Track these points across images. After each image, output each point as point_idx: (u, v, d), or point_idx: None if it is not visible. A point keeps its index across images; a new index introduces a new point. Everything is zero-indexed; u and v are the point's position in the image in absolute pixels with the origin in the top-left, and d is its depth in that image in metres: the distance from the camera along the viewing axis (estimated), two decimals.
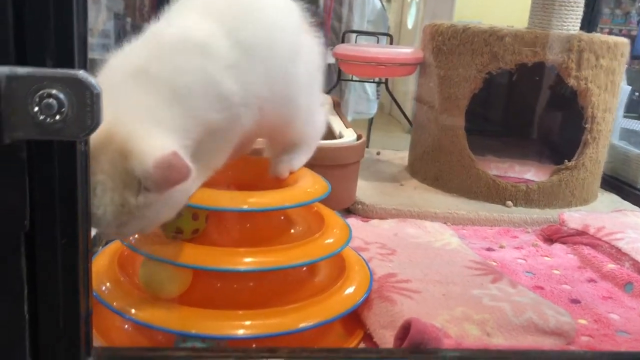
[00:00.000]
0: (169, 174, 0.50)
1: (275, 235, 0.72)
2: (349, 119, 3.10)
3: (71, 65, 0.43)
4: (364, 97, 3.06)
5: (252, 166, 0.78)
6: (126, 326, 0.70)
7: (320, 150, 0.95)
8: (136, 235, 0.64)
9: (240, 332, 0.61)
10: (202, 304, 0.64)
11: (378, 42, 1.61)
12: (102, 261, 0.70)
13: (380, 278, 0.73)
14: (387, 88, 1.51)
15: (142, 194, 0.51)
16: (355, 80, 1.67)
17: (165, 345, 0.65)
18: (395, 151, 1.51)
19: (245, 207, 0.65)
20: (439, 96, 1.18)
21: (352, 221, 0.93)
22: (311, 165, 0.95)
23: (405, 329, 0.60)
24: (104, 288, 0.65)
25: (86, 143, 0.48)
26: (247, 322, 0.62)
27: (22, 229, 0.46)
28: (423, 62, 1.23)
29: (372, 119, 2.13)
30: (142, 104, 0.54)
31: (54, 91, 0.42)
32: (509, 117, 1.50)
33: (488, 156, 1.28)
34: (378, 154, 1.48)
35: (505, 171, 1.23)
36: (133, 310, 0.61)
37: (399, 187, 1.21)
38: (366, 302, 0.70)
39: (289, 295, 0.69)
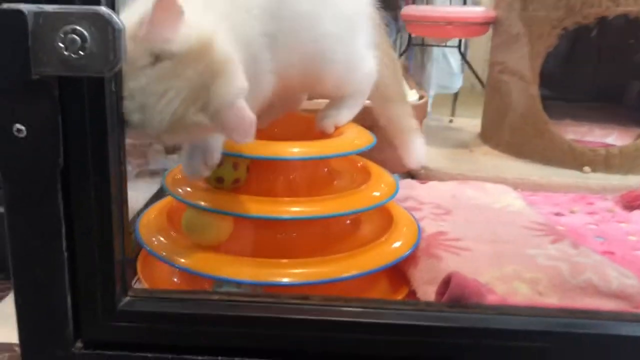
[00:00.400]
0: (237, 122, 0.50)
1: (318, 187, 0.71)
2: (432, 93, 3.04)
3: (96, 3, 0.44)
4: (448, 71, 2.96)
5: (299, 122, 0.77)
6: (175, 279, 0.72)
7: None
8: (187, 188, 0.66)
9: (284, 279, 0.61)
10: (245, 253, 0.64)
11: (451, 4, 1.55)
12: (152, 215, 0.72)
13: (429, 236, 0.71)
14: (460, 51, 1.45)
15: (202, 115, 0.50)
16: (427, 45, 1.61)
17: None
18: (470, 119, 1.45)
19: (286, 155, 0.64)
20: (511, 56, 1.11)
21: (409, 181, 0.90)
22: (368, 126, 0.94)
23: (447, 284, 0.57)
24: (153, 239, 0.67)
25: (116, 83, 0.49)
26: (288, 270, 0.62)
27: (57, 166, 0.48)
28: (496, 21, 1.17)
29: (457, 93, 2.05)
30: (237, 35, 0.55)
31: (78, 27, 0.43)
32: (589, 80, 1.39)
33: (566, 120, 1.20)
34: (450, 121, 1.43)
35: (583, 135, 1.15)
36: (177, 258, 0.63)
37: (467, 153, 1.17)
38: (412, 258, 0.67)
39: (332, 247, 0.68)
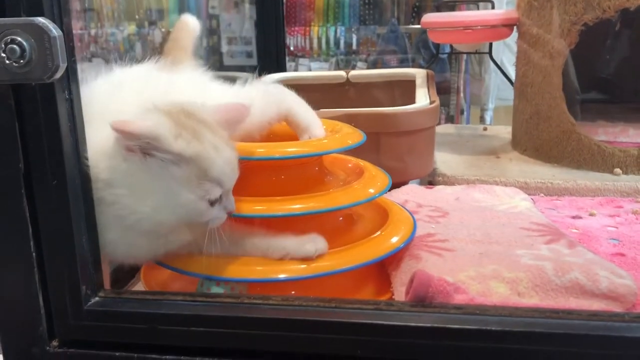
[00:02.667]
0: None
1: (310, 185, 0.71)
2: (491, 105, 2.96)
3: (36, 13, 0.47)
4: (507, 82, 2.89)
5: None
6: (175, 283, 0.73)
7: (387, 117, 0.92)
8: None
9: (280, 275, 0.61)
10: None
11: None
12: None
13: (416, 238, 0.69)
14: (491, 56, 1.41)
15: None
16: (455, 53, 1.57)
17: None
18: (507, 126, 1.40)
19: (275, 155, 0.65)
20: (534, 57, 1.07)
21: (412, 186, 0.88)
22: (377, 133, 0.93)
23: (413, 283, 0.56)
24: None
25: (70, 92, 0.51)
26: (283, 267, 0.61)
27: (19, 172, 0.52)
28: (518, 23, 1.14)
29: None
30: None
31: (17, 37, 0.46)
32: (626, 78, 1.32)
33: (598, 121, 1.14)
34: (485, 129, 1.39)
35: (616, 136, 1.09)
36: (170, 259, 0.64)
37: (493, 159, 1.13)
38: (396, 260, 0.66)
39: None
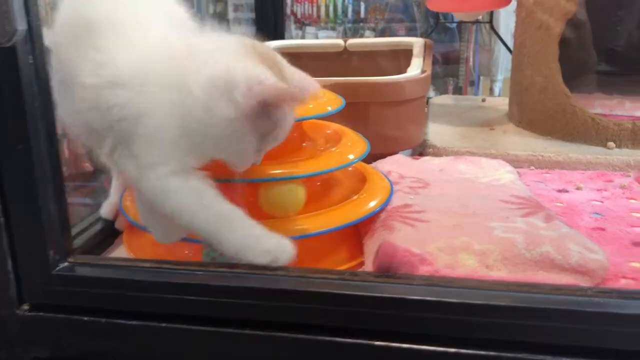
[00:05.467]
0: None
1: (288, 150, 0.71)
2: (500, 77, 2.91)
3: None
4: None
5: None
6: (158, 249, 0.73)
7: (376, 87, 0.91)
8: None
9: None
10: None
11: None
12: None
13: (392, 208, 0.68)
14: (492, 27, 1.38)
15: None
16: (456, 22, 1.54)
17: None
18: (506, 98, 1.38)
19: None
20: (530, 27, 1.05)
21: (397, 157, 0.87)
22: (366, 103, 0.92)
23: (378, 253, 0.55)
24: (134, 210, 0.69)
25: (34, 56, 0.51)
26: None
27: None
28: None
29: None
30: None
31: None
32: (623, 48, 1.28)
33: (595, 94, 1.12)
34: (483, 100, 1.37)
35: (612, 109, 1.06)
36: None
37: (487, 131, 1.12)
38: (370, 230, 0.66)
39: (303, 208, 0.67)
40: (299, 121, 0.73)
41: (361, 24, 3.03)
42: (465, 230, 0.62)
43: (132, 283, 0.56)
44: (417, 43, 1.27)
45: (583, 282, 0.57)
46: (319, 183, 0.74)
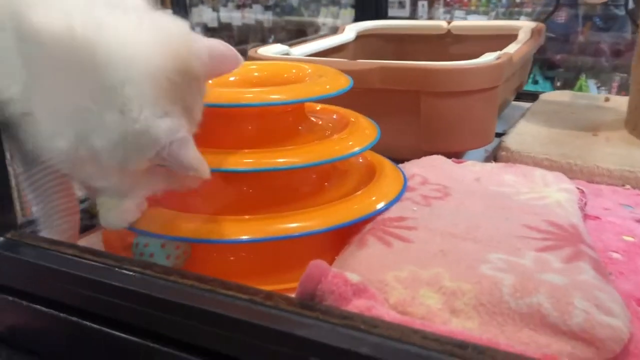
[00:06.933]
0: None
1: (282, 138, 0.62)
2: None
3: None
4: None
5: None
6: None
7: (429, 73, 0.78)
8: None
9: (243, 237, 0.54)
10: (202, 210, 0.58)
11: None
12: None
13: (383, 219, 0.57)
14: (626, 10, 1.13)
15: None
16: (581, 4, 1.30)
17: None
18: None
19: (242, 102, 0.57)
20: None
21: (436, 159, 0.73)
22: (417, 92, 0.80)
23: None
24: None
25: None
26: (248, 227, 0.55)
27: None
28: None
29: None
30: None
31: None
32: None
33: None
34: (606, 100, 1.13)
35: None
36: None
37: (587, 136, 0.91)
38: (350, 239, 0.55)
39: (299, 203, 0.60)
40: (296, 103, 0.63)
41: (516, 9, 2.77)
42: (447, 259, 0.48)
43: (52, 272, 0.51)
44: (525, 27, 1.09)
45: (585, 354, 0.41)
46: (314, 176, 0.64)
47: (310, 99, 0.62)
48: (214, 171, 0.56)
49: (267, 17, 3.48)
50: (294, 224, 0.56)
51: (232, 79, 0.66)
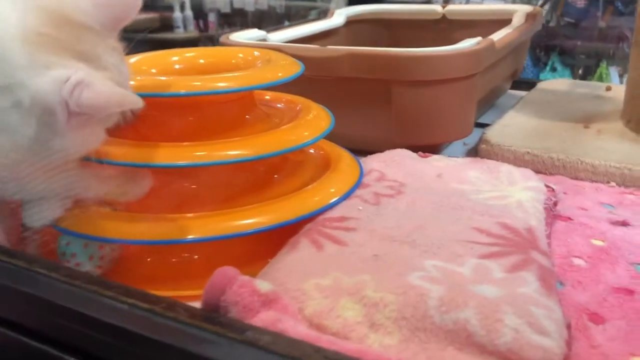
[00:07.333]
0: None
1: (230, 129, 0.59)
2: None
3: None
4: None
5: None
6: None
7: (400, 60, 0.74)
8: None
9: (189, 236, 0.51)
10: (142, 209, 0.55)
11: None
12: None
13: (324, 218, 0.53)
14: None
15: None
16: None
17: None
18: None
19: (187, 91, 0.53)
20: None
21: (398, 152, 0.68)
22: (387, 81, 0.75)
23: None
24: None
25: None
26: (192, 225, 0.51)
27: None
28: None
29: None
30: None
31: None
32: None
33: None
34: (608, 89, 1.07)
35: None
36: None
37: (577, 128, 0.85)
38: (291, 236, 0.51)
39: (245, 199, 0.56)
40: (243, 91, 0.59)
41: None
42: (377, 265, 0.44)
43: None
44: (519, 12, 1.03)
45: None
46: (262, 168, 0.60)
47: (258, 86, 0.58)
48: (158, 167, 0.53)
49: (279, 3, 3.43)
50: (240, 221, 0.52)
51: (177, 67, 0.62)
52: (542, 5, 1.12)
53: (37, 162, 0.46)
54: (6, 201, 0.56)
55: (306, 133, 0.57)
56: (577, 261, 0.52)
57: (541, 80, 1.17)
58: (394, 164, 0.64)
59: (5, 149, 0.43)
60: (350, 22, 1.18)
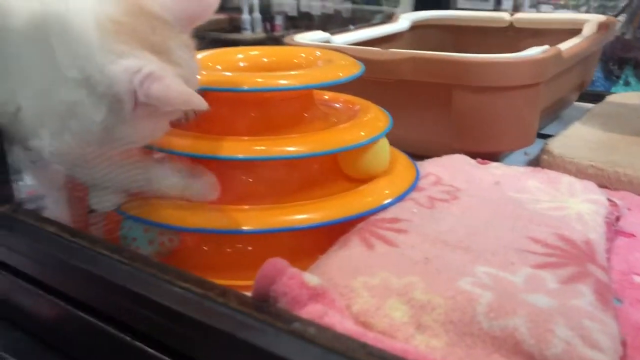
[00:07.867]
0: None
1: (289, 126, 0.60)
2: None
3: None
4: None
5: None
6: None
7: (462, 66, 0.73)
8: None
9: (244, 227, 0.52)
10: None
11: None
12: None
13: (376, 219, 0.53)
14: None
15: None
16: None
17: None
18: None
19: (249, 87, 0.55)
20: None
21: (457, 158, 0.67)
22: (448, 85, 0.75)
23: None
24: None
25: None
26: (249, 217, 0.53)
27: None
28: None
29: None
30: None
31: None
32: None
33: None
34: None
35: None
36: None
37: None
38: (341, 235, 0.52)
39: (300, 194, 0.57)
40: (304, 89, 0.60)
41: (611, 2, 2.57)
42: (426, 268, 0.44)
43: (33, 249, 0.51)
44: (591, 21, 1.00)
45: None
46: (316, 166, 0.61)
47: (318, 84, 0.59)
48: (219, 159, 0.54)
49: (345, 7, 3.44)
50: (294, 216, 0.53)
51: (241, 64, 0.64)
52: (616, 15, 1.08)
53: (102, 148, 0.48)
54: (75, 188, 0.59)
55: (362, 133, 0.58)
56: (638, 279, 0.50)
57: (611, 93, 1.13)
58: (451, 169, 0.64)
59: (75, 133, 0.46)
60: (415, 27, 1.17)
